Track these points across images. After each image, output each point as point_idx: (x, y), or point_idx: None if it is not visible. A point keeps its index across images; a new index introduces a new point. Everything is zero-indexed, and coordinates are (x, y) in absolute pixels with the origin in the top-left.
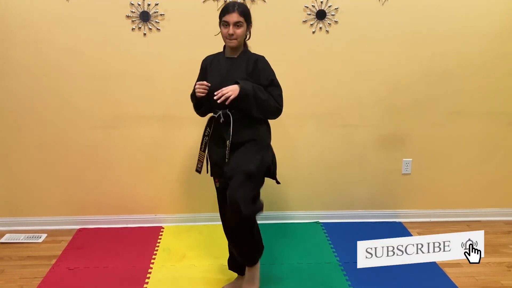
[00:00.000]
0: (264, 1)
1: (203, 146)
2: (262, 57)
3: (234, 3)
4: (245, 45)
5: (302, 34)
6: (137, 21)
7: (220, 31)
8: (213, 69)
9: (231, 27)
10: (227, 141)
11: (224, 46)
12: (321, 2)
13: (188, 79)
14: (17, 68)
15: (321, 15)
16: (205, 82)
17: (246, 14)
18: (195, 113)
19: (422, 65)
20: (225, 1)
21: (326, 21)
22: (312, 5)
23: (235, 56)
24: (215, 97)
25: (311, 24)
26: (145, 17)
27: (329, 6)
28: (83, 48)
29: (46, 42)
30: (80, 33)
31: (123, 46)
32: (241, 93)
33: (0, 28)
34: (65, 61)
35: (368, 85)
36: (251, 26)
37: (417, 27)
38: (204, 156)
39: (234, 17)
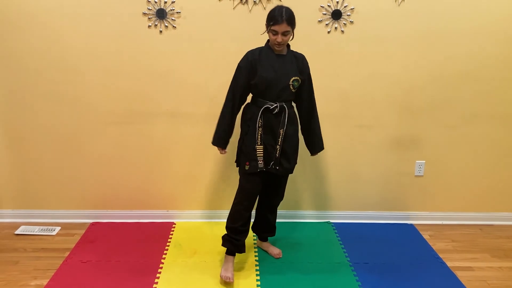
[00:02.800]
0: (280, 0)
1: (259, 139)
2: (304, 56)
3: (282, 11)
4: (287, 44)
5: (318, 34)
6: (154, 19)
7: (268, 35)
8: (264, 63)
9: (279, 35)
10: (281, 130)
11: (267, 44)
12: (337, 2)
13: (203, 76)
14: (33, 63)
15: (336, 15)
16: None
17: (292, 22)
18: (208, 110)
19: (437, 67)
20: (241, 0)
21: (342, 21)
22: (328, 5)
23: (285, 54)
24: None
25: (327, 24)
26: (161, 14)
27: (345, 6)
28: (100, 45)
29: (62, 39)
30: (96, 30)
31: (139, 43)
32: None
33: (16, 24)
34: (81, 57)
35: (382, 86)
36: (294, 27)
37: (433, 28)
38: (262, 150)
39: (283, 27)
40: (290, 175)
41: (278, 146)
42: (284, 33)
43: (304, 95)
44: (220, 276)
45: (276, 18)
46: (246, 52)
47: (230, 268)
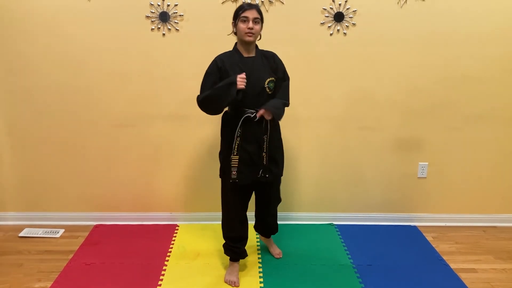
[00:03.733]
0: (282, 3)
1: (235, 150)
2: (274, 53)
3: (250, 3)
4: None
5: (320, 36)
6: (157, 22)
7: (235, 29)
8: (234, 68)
9: (250, 22)
10: (265, 137)
11: (235, 47)
12: (339, 4)
13: None
14: (38, 66)
15: (339, 17)
16: (244, 75)
17: (261, 14)
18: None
19: (439, 68)
20: (244, 2)
21: (344, 23)
22: (330, 7)
23: (253, 55)
24: (258, 115)
25: (329, 26)
26: (164, 17)
27: (347, 9)
28: (103, 48)
29: (66, 41)
30: (100, 33)
31: (143, 46)
32: (274, 116)
33: (22, 27)
34: (85, 60)
35: (385, 87)
36: (262, 27)
37: (436, 30)
38: (237, 160)
39: (253, 13)
40: (291, 177)
41: (264, 154)
42: (255, 20)
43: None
44: (225, 281)
45: (244, 6)
46: (215, 57)
47: (234, 272)
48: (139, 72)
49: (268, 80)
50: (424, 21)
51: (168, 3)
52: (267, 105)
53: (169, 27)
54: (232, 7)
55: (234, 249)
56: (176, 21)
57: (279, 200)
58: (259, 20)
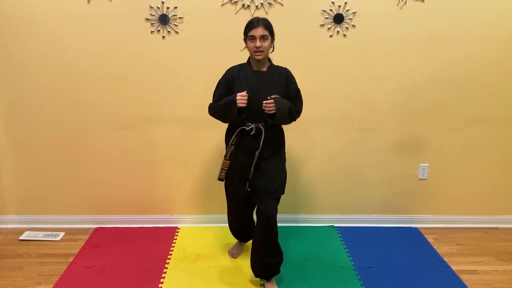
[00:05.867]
0: (282, 5)
1: (228, 155)
2: (288, 70)
3: (258, 18)
4: (269, 59)
5: (320, 38)
6: (156, 24)
7: (246, 46)
8: (241, 81)
9: (257, 40)
10: (256, 152)
11: (249, 60)
12: (339, 6)
13: (206, 81)
14: (37, 68)
15: (338, 19)
16: (245, 94)
17: (270, 28)
18: (211, 115)
19: (439, 70)
20: (243, 5)
21: (344, 25)
22: (330, 9)
23: (264, 70)
24: (263, 106)
25: (329, 28)
26: (164, 20)
27: (347, 10)
28: (103, 50)
29: (66, 44)
30: (99, 35)
31: (142, 48)
32: (274, 114)
33: (21, 29)
34: (84, 63)
35: (385, 89)
36: (274, 39)
37: (435, 32)
38: (228, 164)
39: (259, 31)
40: (292, 180)
41: (252, 168)
42: (263, 38)
43: None
44: (228, 252)
45: (252, 24)
46: (228, 68)
47: (236, 246)
48: (139, 75)
49: (272, 97)
50: (423, 22)
51: (168, 6)
52: (276, 99)
53: (169, 30)
54: (231, 10)
55: (235, 235)
56: (175, 23)
57: (274, 225)
58: (268, 36)
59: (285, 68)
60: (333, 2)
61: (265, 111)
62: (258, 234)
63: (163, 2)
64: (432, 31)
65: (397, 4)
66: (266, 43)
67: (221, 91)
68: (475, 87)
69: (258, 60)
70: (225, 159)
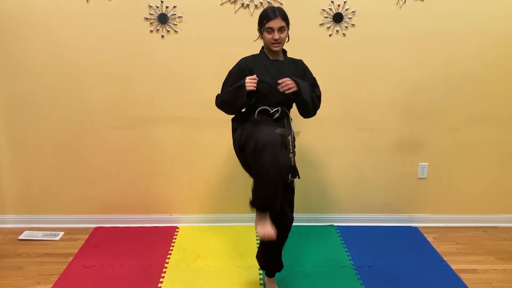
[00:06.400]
0: (281, 4)
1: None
2: (302, 61)
3: (274, 9)
4: (283, 50)
5: (319, 37)
6: (155, 23)
7: (261, 37)
8: (260, 69)
9: (276, 32)
10: (289, 137)
11: (262, 50)
12: (338, 5)
13: (205, 80)
14: (36, 68)
15: (338, 18)
16: (255, 77)
17: (286, 18)
18: (210, 114)
19: (439, 69)
20: (242, 4)
21: (343, 24)
22: (329, 8)
23: (281, 59)
24: (279, 87)
25: (328, 27)
26: (163, 19)
27: (346, 9)
28: (102, 49)
29: (65, 43)
30: (99, 34)
31: (141, 47)
32: (298, 90)
33: (21, 28)
34: (83, 62)
35: (384, 88)
36: (289, 29)
37: (435, 31)
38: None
39: (278, 22)
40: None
41: (291, 154)
42: (280, 29)
43: None
44: (257, 233)
45: (269, 15)
46: (240, 58)
47: (268, 223)
48: (138, 74)
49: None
50: (423, 21)
51: (167, 5)
52: (290, 77)
53: (168, 29)
54: (231, 9)
55: (263, 204)
56: (175, 22)
57: (289, 218)
58: (285, 27)
59: (300, 60)
60: (332, 1)
61: (285, 91)
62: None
63: (162, 1)
64: (432, 30)
65: (397, 3)
66: (284, 34)
67: (232, 81)
68: (475, 86)
69: (275, 51)
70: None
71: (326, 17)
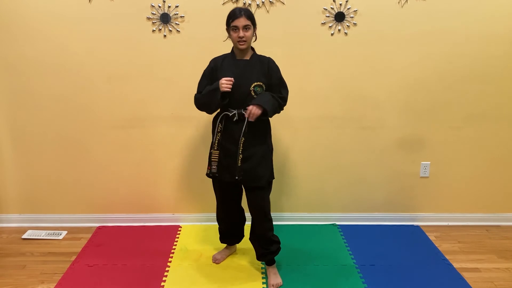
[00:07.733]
0: (283, 3)
1: (216, 144)
2: (271, 59)
3: (240, 8)
4: (252, 48)
5: (321, 36)
6: (158, 23)
7: (229, 36)
8: (224, 70)
9: (240, 30)
10: (241, 138)
11: (232, 50)
12: (340, 4)
13: None
14: (39, 68)
15: (340, 17)
16: (231, 79)
17: (252, 18)
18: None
19: (441, 68)
20: (244, 3)
21: (345, 23)
22: (331, 7)
23: (247, 58)
24: (246, 115)
25: (330, 26)
26: (165, 19)
27: (348, 8)
28: (104, 49)
29: (67, 43)
30: (101, 34)
31: (144, 47)
32: (265, 111)
33: (23, 29)
34: (86, 62)
35: (386, 87)
36: (256, 28)
37: (437, 29)
38: (218, 155)
39: (242, 21)
40: (293, 178)
41: (240, 155)
42: (245, 27)
43: None
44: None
45: (234, 14)
46: (212, 58)
47: (221, 252)
48: (141, 74)
49: (255, 84)
50: (424, 20)
51: (169, 5)
52: (255, 100)
53: (170, 29)
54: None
55: (223, 238)
56: (177, 22)
57: (265, 217)
58: (250, 26)
59: (269, 57)
60: (334, 1)
61: (254, 119)
62: (251, 227)
63: (164, 1)
64: (434, 29)
65: (398, 2)
66: (249, 33)
67: (206, 81)
68: (477, 84)
69: (241, 50)
70: (213, 150)
71: (328, 16)
